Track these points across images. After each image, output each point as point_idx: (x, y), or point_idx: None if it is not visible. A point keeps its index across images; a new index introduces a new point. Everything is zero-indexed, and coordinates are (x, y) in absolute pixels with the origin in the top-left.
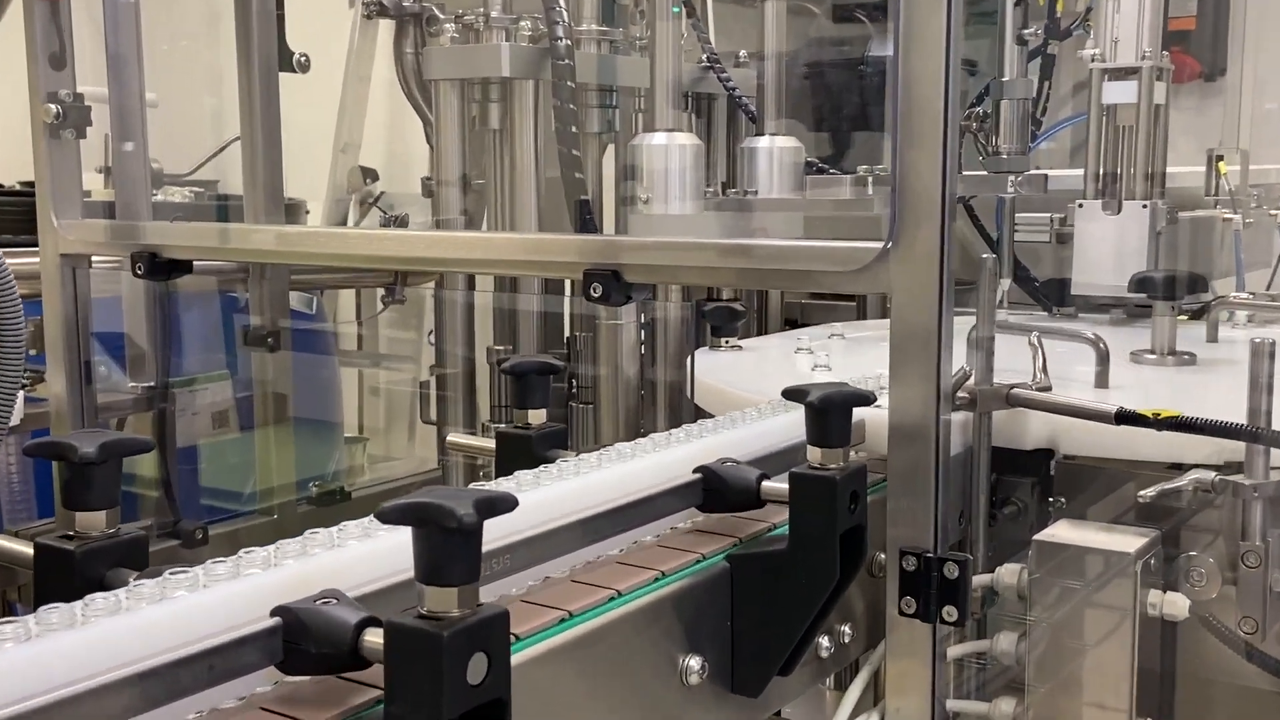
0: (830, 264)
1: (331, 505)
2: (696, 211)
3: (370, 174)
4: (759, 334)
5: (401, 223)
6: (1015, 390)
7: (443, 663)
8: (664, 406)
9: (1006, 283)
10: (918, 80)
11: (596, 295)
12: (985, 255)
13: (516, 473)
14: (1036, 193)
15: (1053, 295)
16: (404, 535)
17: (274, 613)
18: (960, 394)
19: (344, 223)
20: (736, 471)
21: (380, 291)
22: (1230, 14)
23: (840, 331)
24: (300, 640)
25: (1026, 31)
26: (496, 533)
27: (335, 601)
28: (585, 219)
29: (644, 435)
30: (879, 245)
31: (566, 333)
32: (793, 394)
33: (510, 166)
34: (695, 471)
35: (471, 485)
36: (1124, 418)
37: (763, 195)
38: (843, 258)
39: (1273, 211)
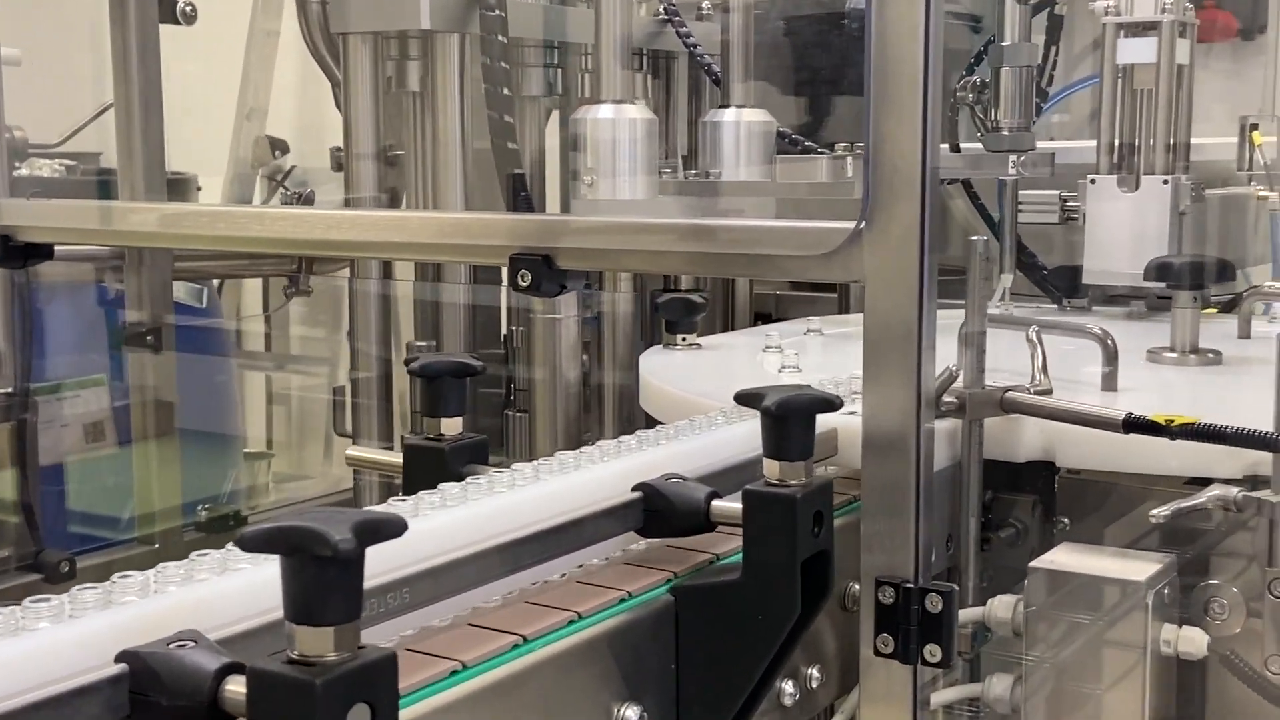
0: (795, 247)
1: (224, 532)
2: (649, 195)
3: (279, 145)
4: (725, 329)
5: (306, 201)
6: (1010, 394)
7: (315, 715)
8: (612, 415)
9: (1009, 278)
10: (892, 33)
11: (525, 284)
12: (976, 238)
13: (420, 493)
14: (1042, 173)
15: (1063, 285)
16: (275, 566)
17: (118, 659)
18: (947, 398)
19: (248, 202)
20: (682, 489)
21: (284, 282)
22: None
23: (818, 327)
24: (150, 691)
25: None
26: (389, 563)
27: (192, 645)
28: (520, 196)
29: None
30: (849, 226)
31: (504, 329)
32: (746, 398)
33: (432, 135)
34: (634, 489)
35: (364, 508)
36: (1134, 425)
37: (728, 177)
38: (809, 240)
39: None
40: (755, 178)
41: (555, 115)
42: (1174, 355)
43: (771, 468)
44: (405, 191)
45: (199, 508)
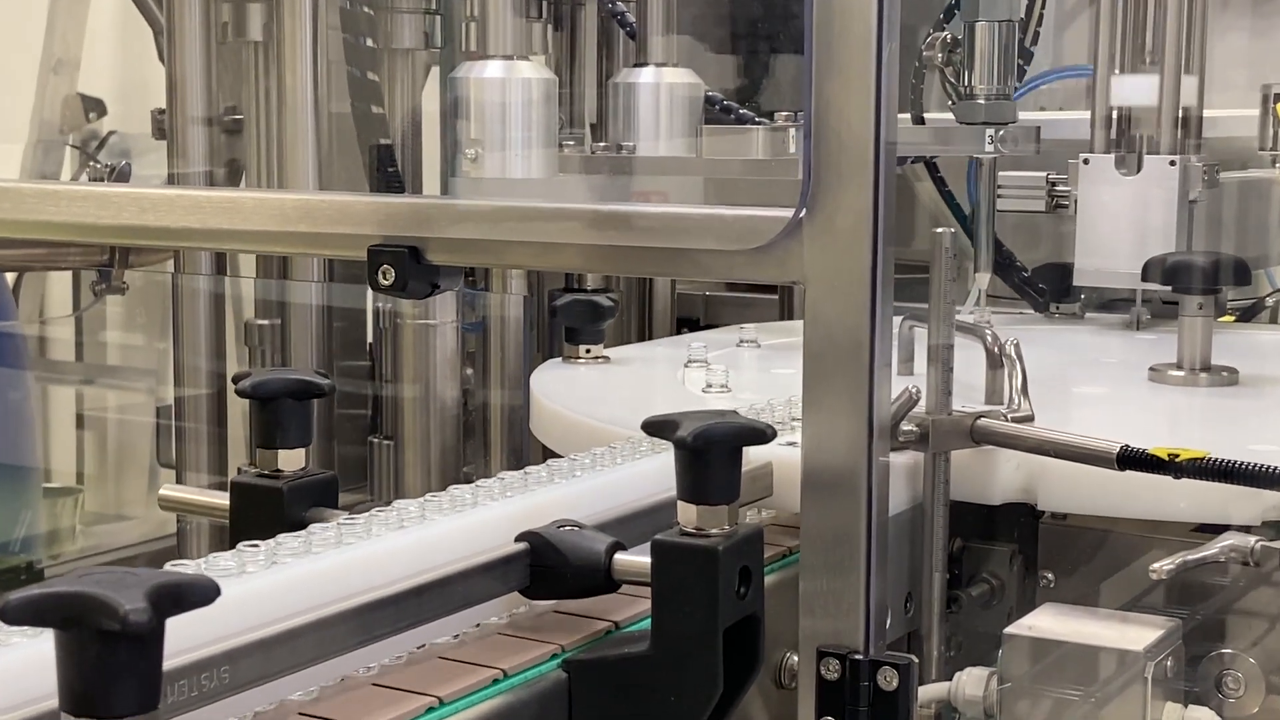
0: (719, 240)
1: (14, 588)
2: (547, 173)
3: (94, 106)
4: (640, 338)
5: (121, 177)
6: (982, 422)
7: None
8: (499, 443)
9: (985, 278)
10: None
11: (388, 283)
12: (941, 229)
13: (240, 545)
14: (1026, 150)
15: (1050, 286)
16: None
17: None
18: (906, 427)
19: (56, 173)
20: (579, 540)
21: (94, 277)
22: None
23: (753, 337)
24: None
25: None
26: (202, 635)
27: None
28: (387, 172)
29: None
30: (786, 215)
31: (369, 335)
32: (656, 427)
33: (278, 96)
34: (519, 540)
35: (169, 564)
36: (1131, 461)
37: (645, 151)
38: (737, 231)
39: None
40: (678, 152)
41: (435, 72)
42: (1181, 374)
43: (688, 513)
44: (246, 166)
45: None
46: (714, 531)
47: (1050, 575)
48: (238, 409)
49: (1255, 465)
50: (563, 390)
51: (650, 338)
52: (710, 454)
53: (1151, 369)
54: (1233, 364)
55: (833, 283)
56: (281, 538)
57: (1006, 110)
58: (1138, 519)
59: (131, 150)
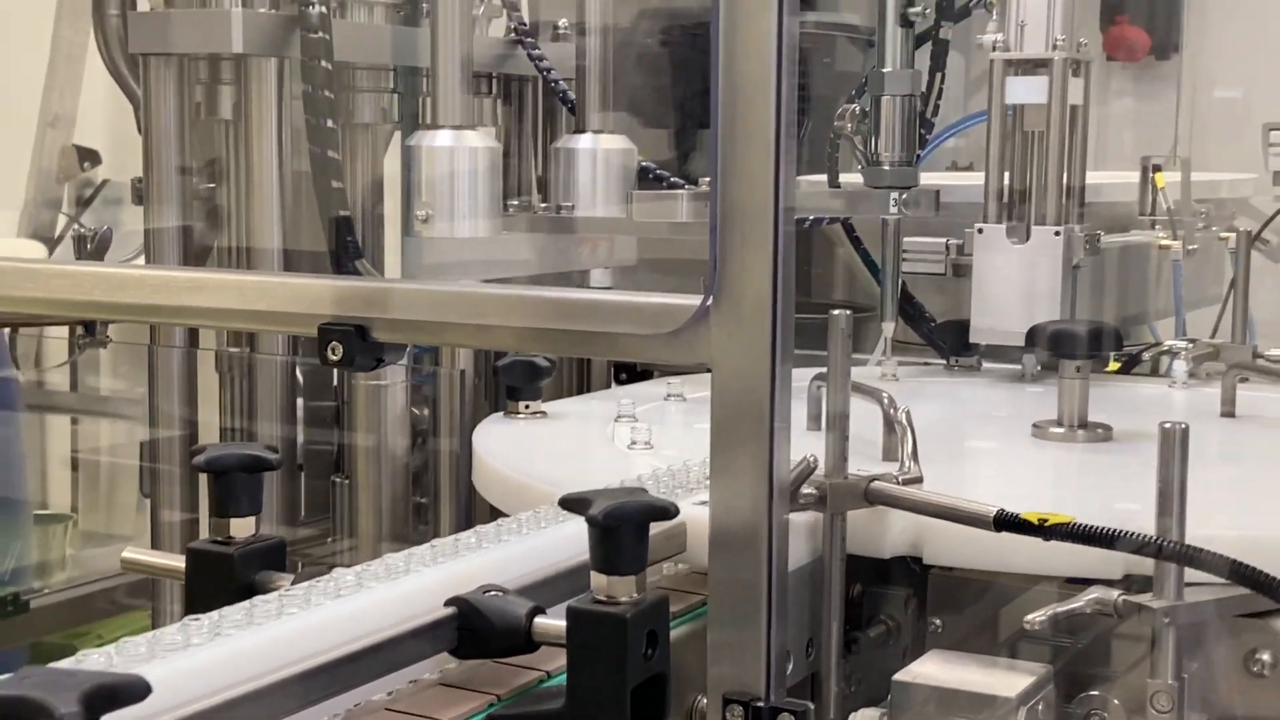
0: (635, 324)
1: (2, 619)
2: (493, 232)
3: (89, 156)
4: (580, 387)
5: (102, 242)
6: (876, 485)
7: None
8: (449, 499)
9: (890, 327)
10: (740, 68)
11: (336, 358)
12: (836, 312)
13: (191, 619)
14: (927, 213)
15: (951, 340)
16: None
17: None
18: (806, 490)
19: (54, 216)
20: (501, 605)
21: (79, 330)
22: None
23: (679, 391)
24: None
25: (913, 10)
26: (147, 710)
27: None
28: (345, 241)
29: (420, 538)
30: (695, 302)
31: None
32: (571, 504)
33: (246, 170)
34: (448, 604)
35: (124, 639)
36: (1005, 524)
37: (583, 211)
38: (651, 317)
39: (1223, 234)
40: (613, 212)
41: (398, 135)
42: (1061, 430)
43: (600, 582)
44: (217, 232)
45: None
46: (623, 599)
47: (938, 621)
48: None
49: (1112, 530)
50: (502, 447)
51: (589, 382)
52: (620, 530)
53: (1035, 425)
54: (1112, 418)
55: (736, 364)
56: (225, 610)
57: (909, 176)
58: (1015, 573)
59: (124, 199)
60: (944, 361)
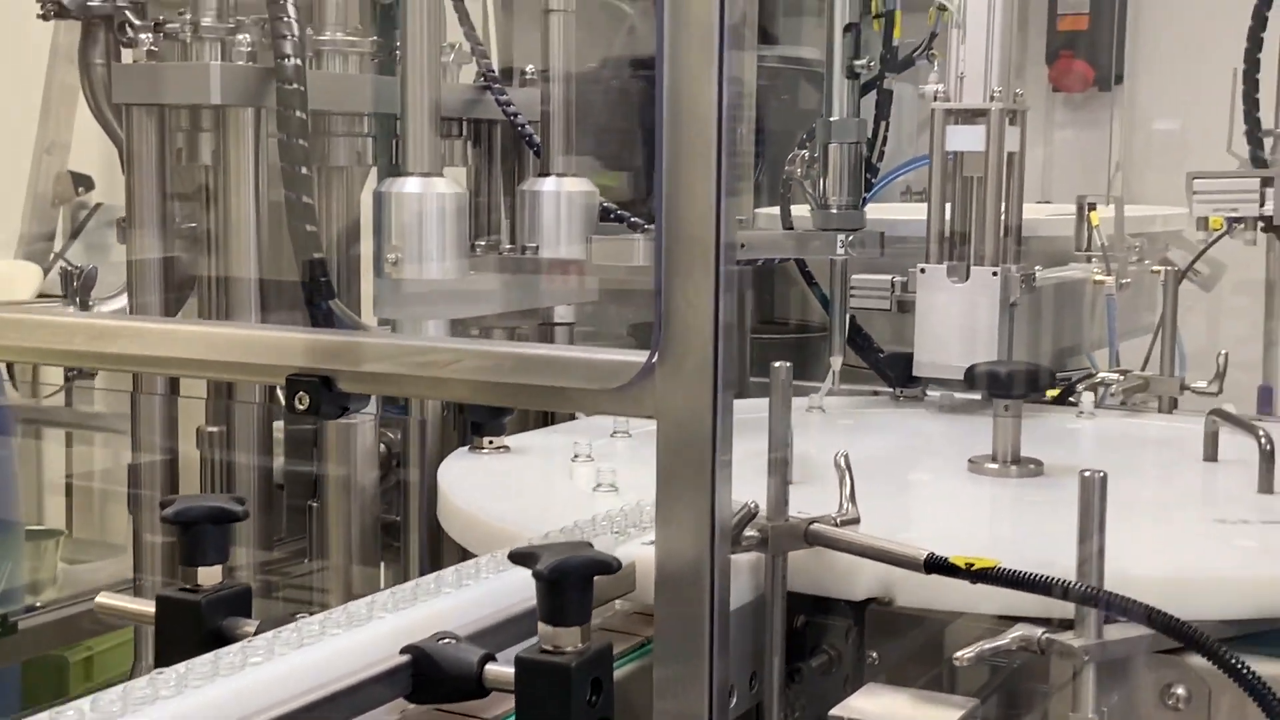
0: (585, 379)
1: None
2: (459, 275)
3: (83, 181)
4: (545, 420)
5: (87, 282)
6: (815, 527)
7: None
8: (418, 533)
9: (838, 360)
10: (683, 120)
11: (303, 407)
12: (777, 365)
13: (154, 673)
14: (873, 253)
15: (897, 373)
16: None
17: None
18: (749, 533)
19: (51, 239)
20: (454, 652)
21: None
22: (1128, 12)
23: (625, 428)
24: None
25: (858, 63)
26: None
27: None
28: (320, 281)
29: (390, 560)
30: (640, 359)
31: None
32: (520, 558)
33: (225, 210)
34: (404, 652)
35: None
36: (935, 567)
37: (547, 250)
38: (600, 373)
39: (1155, 268)
40: (575, 253)
41: (373, 175)
42: (995, 466)
43: (546, 632)
44: (198, 268)
45: None
46: (569, 649)
47: (875, 654)
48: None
49: (1032, 575)
50: (465, 484)
51: (552, 420)
52: (564, 583)
53: (970, 460)
54: (1045, 449)
55: (680, 416)
56: (193, 662)
57: (855, 219)
58: (947, 610)
59: (116, 220)
60: (892, 390)
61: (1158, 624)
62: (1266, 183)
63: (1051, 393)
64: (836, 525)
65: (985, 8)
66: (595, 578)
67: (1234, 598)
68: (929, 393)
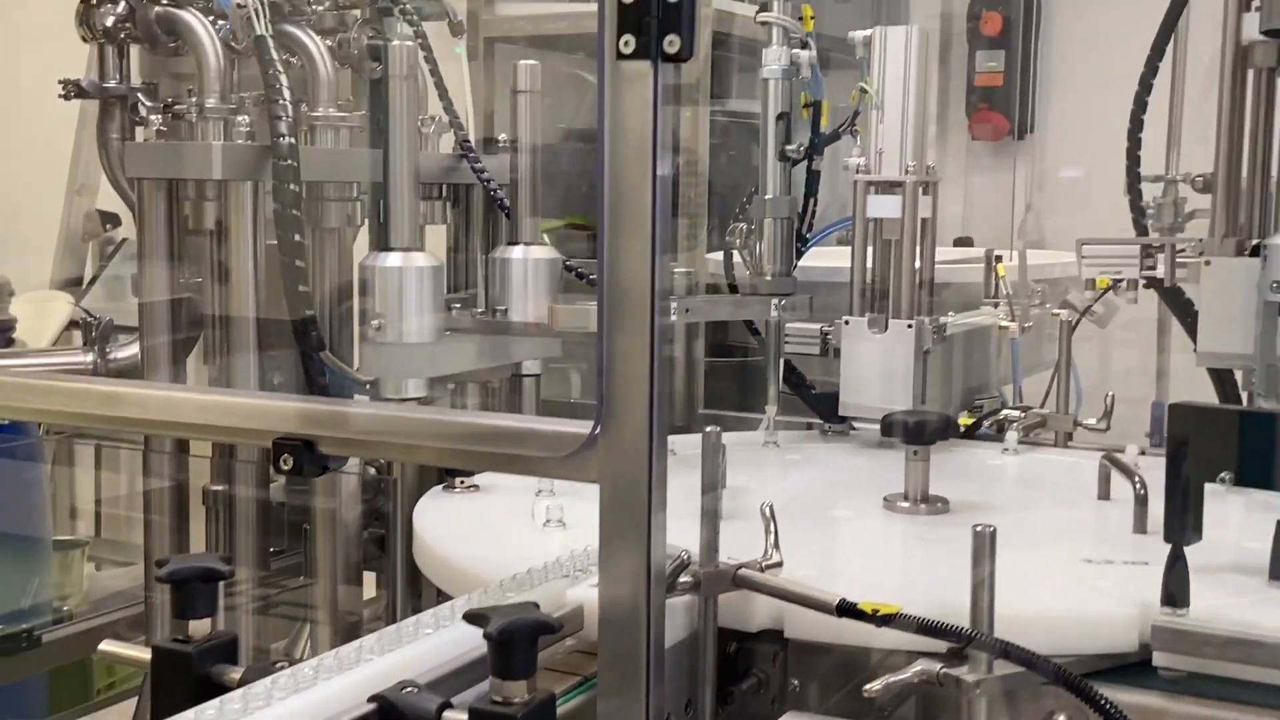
0: (537, 447)
1: (14, 655)
2: (436, 337)
3: (110, 219)
4: None
5: (104, 333)
6: (742, 572)
7: None
8: (403, 573)
9: (772, 409)
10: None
11: (287, 468)
12: (710, 429)
13: None
14: (802, 314)
15: (825, 411)
16: None
17: None
18: (683, 579)
19: (81, 269)
20: (415, 700)
21: None
22: (1037, 71)
23: None
24: None
25: (790, 148)
26: None
27: None
28: (311, 336)
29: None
30: (584, 431)
31: None
32: (473, 619)
33: (227, 269)
34: (370, 700)
35: None
36: (845, 611)
37: (515, 312)
38: (550, 442)
39: (1055, 311)
40: (541, 314)
41: (364, 233)
42: (906, 504)
43: (496, 685)
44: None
45: None
46: (515, 700)
47: (796, 682)
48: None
49: (926, 620)
50: (438, 525)
51: None
52: (512, 644)
53: (885, 499)
54: (953, 485)
55: (620, 481)
56: (179, 717)
57: (787, 284)
58: (857, 646)
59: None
60: (825, 422)
61: (1015, 658)
62: (1145, 250)
63: (965, 420)
64: (761, 569)
65: (900, 93)
66: (553, 615)
67: (1084, 634)
68: (854, 428)
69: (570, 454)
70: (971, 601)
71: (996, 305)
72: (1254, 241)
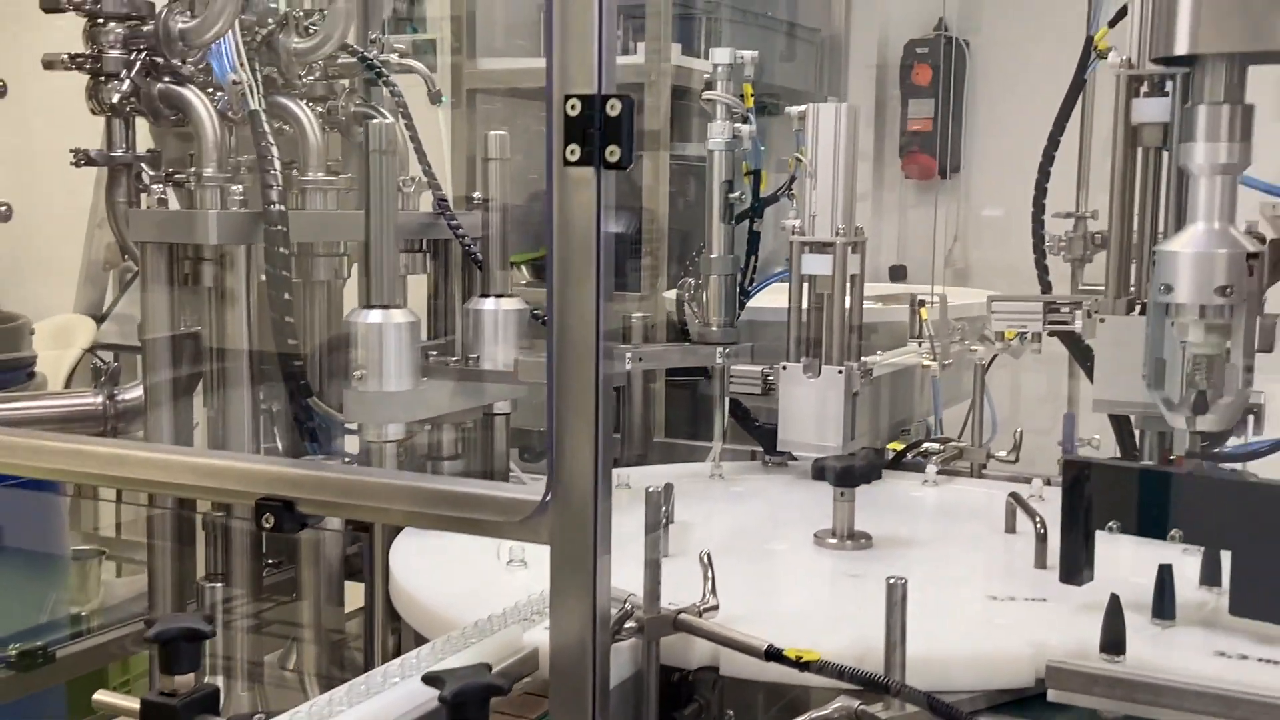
0: (494, 513)
1: (32, 671)
2: (413, 385)
3: (129, 249)
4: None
5: (113, 376)
6: (681, 617)
7: None
8: (381, 602)
9: (718, 445)
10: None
11: (269, 525)
12: (651, 489)
13: None
14: (744, 361)
15: (767, 443)
16: None
17: None
18: (629, 625)
19: (101, 298)
20: None
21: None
22: (963, 118)
23: None
24: None
25: (733, 195)
26: None
27: None
28: (300, 384)
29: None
30: (536, 498)
31: None
32: (431, 680)
33: (223, 320)
34: None
35: None
36: (772, 656)
37: (485, 362)
38: (504, 507)
39: (973, 347)
40: (509, 361)
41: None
42: (834, 541)
43: None
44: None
45: (10, 645)
46: None
47: (732, 712)
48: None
49: (843, 667)
50: (411, 565)
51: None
52: (465, 706)
53: (815, 535)
54: (886, 517)
55: (568, 542)
56: None
57: (731, 334)
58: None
59: None
60: (769, 453)
61: (911, 700)
62: (1048, 307)
63: (894, 446)
64: (699, 613)
65: (831, 162)
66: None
67: (986, 672)
68: (794, 458)
69: (524, 519)
70: (885, 647)
71: (921, 344)
72: (1142, 301)
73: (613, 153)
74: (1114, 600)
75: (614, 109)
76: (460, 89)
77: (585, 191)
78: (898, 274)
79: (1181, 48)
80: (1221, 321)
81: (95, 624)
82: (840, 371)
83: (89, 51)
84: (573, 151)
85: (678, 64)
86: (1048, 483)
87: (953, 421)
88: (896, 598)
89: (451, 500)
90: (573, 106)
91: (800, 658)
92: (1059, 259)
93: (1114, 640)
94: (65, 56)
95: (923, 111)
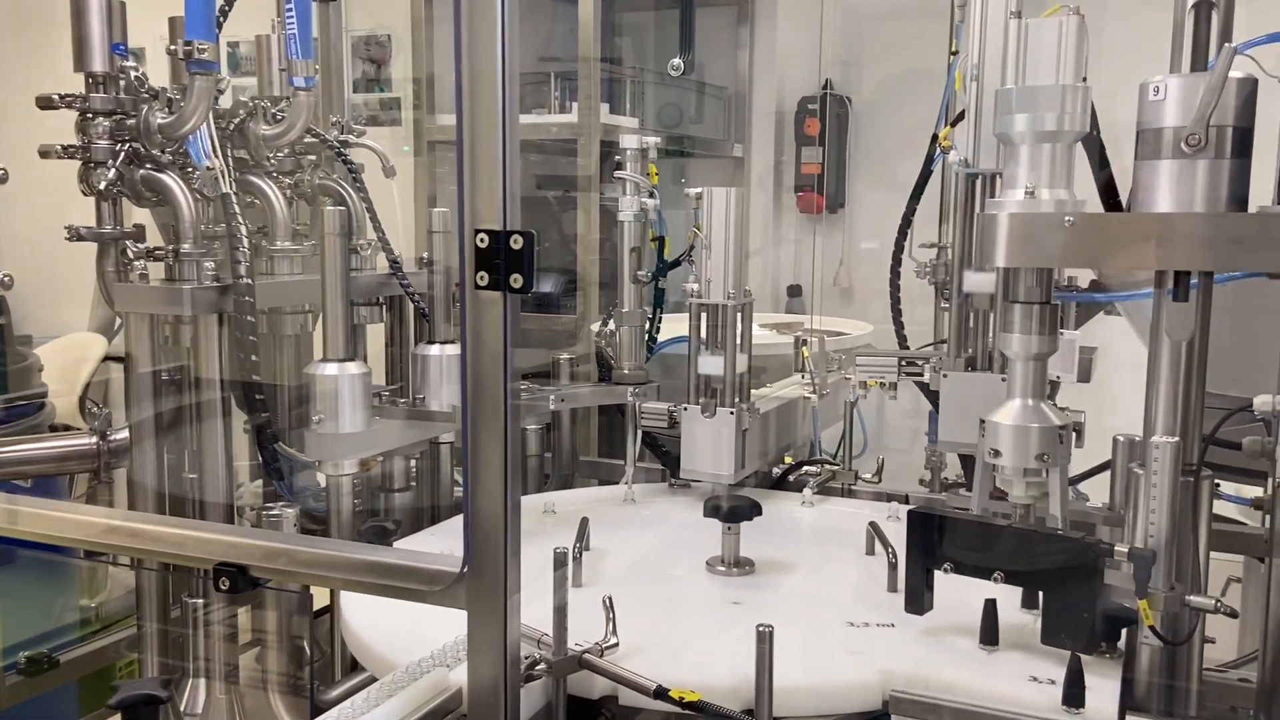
0: (419, 582)
1: (40, 675)
2: (366, 426)
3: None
4: (434, 519)
5: (104, 420)
6: (585, 657)
7: None
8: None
9: (631, 471)
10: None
11: (224, 588)
12: (558, 549)
13: None
14: (652, 398)
15: (672, 468)
16: None
17: None
18: (540, 667)
19: (112, 317)
20: None
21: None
22: (846, 163)
23: None
24: None
25: (640, 273)
26: None
27: None
28: (266, 433)
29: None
30: (455, 570)
31: None
32: None
33: (199, 378)
34: None
35: None
36: (659, 695)
37: (432, 404)
38: (428, 578)
39: (847, 375)
40: (454, 400)
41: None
42: (723, 569)
43: None
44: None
45: (19, 652)
46: None
47: None
48: None
49: (722, 710)
50: (364, 610)
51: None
52: None
53: (707, 562)
54: (767, 539)
55: (483, 608)
56: None
57: (640, 376)
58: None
59: None
60: (673, 477)
61: None
62: (903, 362)
63: (789, 459)
64: (601, 653)
65: (723, 237)
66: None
67: (840, 698)
68: (698, 480)
69: (444, 589)
70: (755, 689)
71: (803, 376)
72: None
73: (515, 280)
74: (1076, 664)
75: (517, 243)
76: (422, 140)
77: (493, 310)
78: (794, 291)
79: (1001, 261)
80: (1040, 480)
81: (102, 623)
82: (732, 412)
83: (79, 143)
84: (482, 278)
85: (605, 121)
86: (905, 500)
87: (831, 437)
88: (765, 647)
89: (382, 570)
90: (481, 240)
91: (682, 698)
92: (924, 281)
93: (1072, 696)
94: (59, 147)
95: (813, 157)
